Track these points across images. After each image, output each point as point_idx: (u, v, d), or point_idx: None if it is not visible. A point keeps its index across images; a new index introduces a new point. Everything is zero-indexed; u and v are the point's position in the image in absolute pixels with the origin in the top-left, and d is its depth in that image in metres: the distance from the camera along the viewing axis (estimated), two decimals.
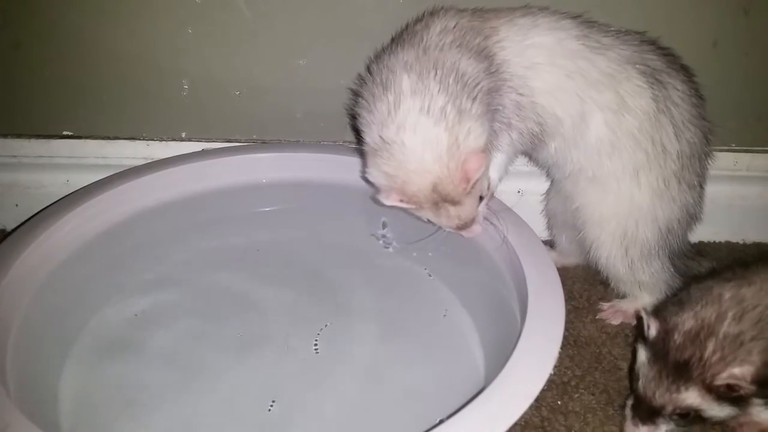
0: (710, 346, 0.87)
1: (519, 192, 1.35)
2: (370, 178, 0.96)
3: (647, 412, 0.91)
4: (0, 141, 1.32)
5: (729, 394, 0.86)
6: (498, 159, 1.04)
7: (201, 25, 1.22)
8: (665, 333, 0.91)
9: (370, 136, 0.95)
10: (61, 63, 1.25)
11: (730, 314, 0.88)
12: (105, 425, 0.95)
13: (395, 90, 0.92)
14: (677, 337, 0.89)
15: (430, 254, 1.19)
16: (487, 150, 0.96)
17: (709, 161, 1.13)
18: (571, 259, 1.29)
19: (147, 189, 1.16)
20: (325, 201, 1.24)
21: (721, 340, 0.87)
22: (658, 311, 0.97)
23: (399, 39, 1.02)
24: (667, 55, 1.07)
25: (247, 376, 1.03)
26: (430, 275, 1.21)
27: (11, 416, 0.74)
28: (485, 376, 1.01)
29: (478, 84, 0.95)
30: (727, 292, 0.91)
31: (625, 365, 1.10)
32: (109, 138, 1.32)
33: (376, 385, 1.02)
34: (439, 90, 0.91)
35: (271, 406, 0.98)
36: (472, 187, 0.93)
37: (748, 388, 0.85)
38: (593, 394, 1.05)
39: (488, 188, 1.02)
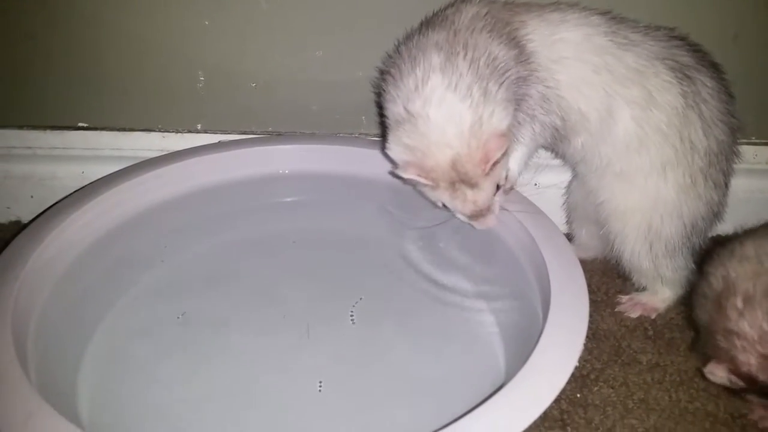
0: None
1: (536, 185, 1.34)
2: (390, 153, 0.96)
3: None
4: (15, 132, 1.31)
5: None
6: (519, 152, 1.04)
7: (217, 17, 1.21)
8: (745, 374, 0.92)
9: (395, 110, 0.95)
10: (76, 54, 1.25)
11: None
12: (128, 417, 0.94)
13: (424, 66, 0.93)
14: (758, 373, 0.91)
15: (441, 246, 1.19)
16: (509, 135, 0.95)
17: (736, 159, 1.12)
18: (590, 253, 1.28)
19: (165, 180, 1.15)
20: (344, 192, 1.24)
21: None
22: (704, 344, 0.99)
23: (429, 22, 1.02)
24: (698, 51, 1.06)
25: (286, 359, 1.02)
26: (448, 268, 1.20)
27: (35, 404, 0.73)
28: (505, 365, 1.01)
29: (507, 70, 0.95)
30: (749, 284, 0.94)
31: (644, 358, 1.09)
32: (124, 130, 1.32)
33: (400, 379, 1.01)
34: (468, 70, 0.92)
35: (320, 385, 0.98)
36: (491, 169, 0.93)
37: None
38: (613, 387, 1.04)
39: (506, 178, 1.01)
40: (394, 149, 0.95)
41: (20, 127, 1.31)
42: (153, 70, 1.26)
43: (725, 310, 0.96)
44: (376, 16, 1.21)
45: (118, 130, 1.32)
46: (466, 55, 0.93)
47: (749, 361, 0.92)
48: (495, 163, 0.93)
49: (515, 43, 0.98)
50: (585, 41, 1.01)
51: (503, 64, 0.95)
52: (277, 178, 1.23)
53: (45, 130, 1.31)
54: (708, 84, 1.04)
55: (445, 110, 0.90)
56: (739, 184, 1.29)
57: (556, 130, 1.04)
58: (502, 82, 0.94)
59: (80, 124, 1.32)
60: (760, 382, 0.92)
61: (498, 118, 0.92)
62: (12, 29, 1.22)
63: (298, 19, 1.22)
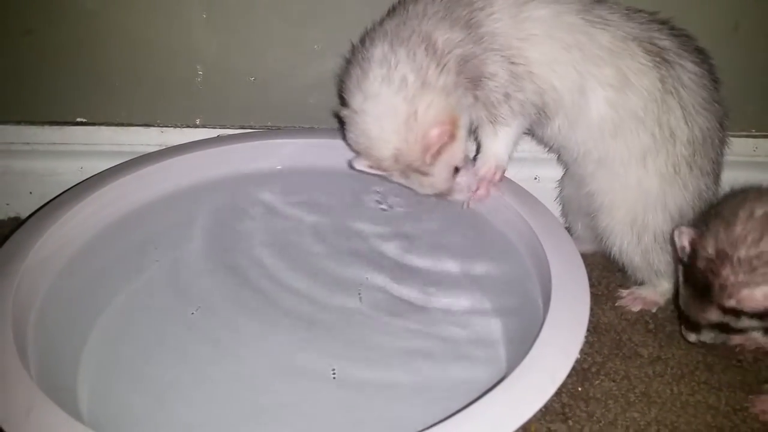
0: (724, 272, 0.92)
1: (536, 179, 1.34)
2: (348, 143, 1.01)
3: (692, 324, 1.01)
4: (14, 128, 1.31)
5: (746, 312, 0.93)
6: (503, 133, 1.03)
7: (215, 10, 1.21)
8: (693, 257, 0.96)
9: (344, 104, 0.99)
10: (74, 49, 1.24)
11: (749, 238, 0.91)
12: (129, 411, 0.94)
13: (366, 58, 0.96)
14: (701, 263, 0.95)
15: (442, 237, 1.19)
16: (455, 122, 0.97)
17: (726, 146, 1.10)
18: (588, 246, 1.27)
19: (164, 175, 1.15)
20: (345, 185, 1.23)
21: (736, 265, 0.91)
22: (695, 224, 1.00)
23: (394, 7, 1.04)
24: (681, 36, 1.04)
25: (297, 349, 1.02)
26: (448, 258, 1.19)
27: (35, 398, 0.73)
28: (506, 358, 1.01)
29: (450, 52, 0.95)
30: (759, 210, 0.93)
31: (645, 352, 1.09)
32: (123, 125, 1.31)
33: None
34: (406, 58, 0.94)
35: (334, 373, 0.98)
36: (436, 157, 0.95)
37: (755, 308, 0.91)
38: (614, 381, 1.04)
39: (463, 159, 1.02)
40: (347, 141, 1.00)
41: (18, 122, 1.31)
42: (151, 64, 1.26)
43: (737, 215, 0.94)
44: (374, 10, 1.20)
45: (117, 125, 1.32)
46: (408, 43, 0.94)
47: (707, 249, 0.94)
48: (438, 152, 0.95)
49: (471, 24, 0.97)
50: (554, 18, 0.98)
51: (446, 46, 0.95)
52: (276, 172, 1.23)
53: (43, 126, 1.31)
54: (690, 69, 1.02)
55: (381, 106, 0.93)
56: (739, 176, 1.28)
57: (536, 107, 1.02)
58: (444, 65, 0.94)
59: (79, 120, 1.31)
60: (679, 255, 0.98)
61: (435, 110, 0.94)
62: (10, 24, 1.21)
63: (296, 12, 1.22)
